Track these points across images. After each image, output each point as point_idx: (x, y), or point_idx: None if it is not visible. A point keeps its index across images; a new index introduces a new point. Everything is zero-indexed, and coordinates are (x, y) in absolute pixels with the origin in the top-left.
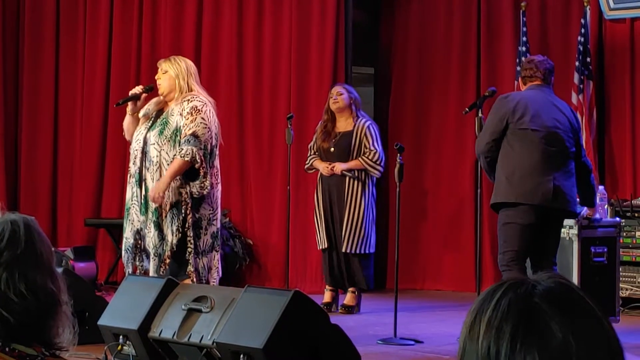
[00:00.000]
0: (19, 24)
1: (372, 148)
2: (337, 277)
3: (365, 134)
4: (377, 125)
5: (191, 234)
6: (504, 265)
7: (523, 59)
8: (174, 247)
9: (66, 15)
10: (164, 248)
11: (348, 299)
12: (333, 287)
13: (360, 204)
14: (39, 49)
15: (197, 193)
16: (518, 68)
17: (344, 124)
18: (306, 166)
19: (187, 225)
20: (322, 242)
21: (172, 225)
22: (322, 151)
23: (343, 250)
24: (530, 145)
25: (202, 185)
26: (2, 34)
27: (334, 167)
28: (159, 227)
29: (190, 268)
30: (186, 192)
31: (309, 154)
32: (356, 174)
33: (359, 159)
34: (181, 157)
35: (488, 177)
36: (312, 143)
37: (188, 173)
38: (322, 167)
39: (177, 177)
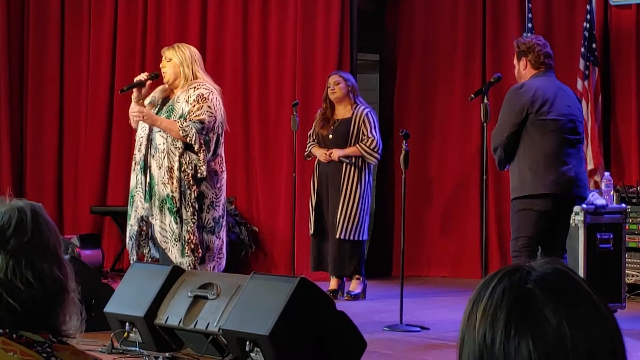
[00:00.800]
0: (24, 12)
1: (370, 135)
2: (322, 263)
3: (363, 121)
4: (375, 113)
5: (196, 206)
6: (516, 251)
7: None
8: (193, 223)
9: (71, 6)
10: (185, 228)
11: (353, 285)
12: (315, 271)
13: (355, 190)
14: (44, 39)
15: (193, 172)
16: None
17: (342, 111)
18: (305, 153)
19: (192, 197)
20: (311, 228)
21: (184, 204)
22: (321, 138)
23: (337, 236)
24: (550, 134)
25: (199, 168)
26: (7, 24)
27: (331, 153)
28: (177, 212)
29: (192, 237)
30: (186, 162)
31: (308, 141)
32: (353, 160)
33: (357, 145)
34: (179, 126)
35: (498, 167)
36: (311, 131)
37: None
38: (320, 153)
39: (180, 146)
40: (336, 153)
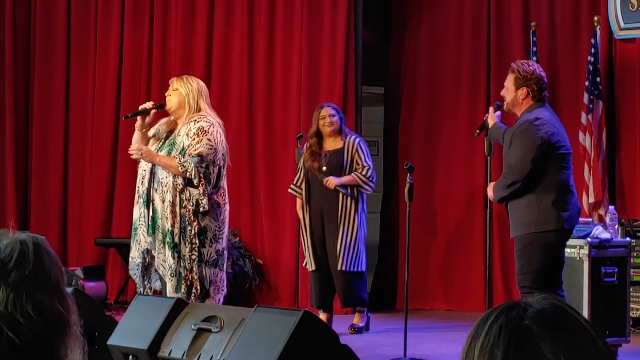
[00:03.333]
0: (30, 38)
1: (364, 164)
2: (326, 298)
3: (357, 150)
4: (365, 142)
5: (196, 242)
6: (526, 287)
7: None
8: (192, 260)
9: (77, 29)
10: (182, 265)
11: (356, 319)
12: (321, 309)
13: (354, 221)
14: (49, 65)
15: (194, 207)
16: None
17: (332, 143)
18: (290, 188)
19: (192, 233)
20: (311, 264)
21: (183, 240)
22: (312, 172)
23: (339, 268)
24: (564, 168)
25: (200, 202)
26: (13, 48)
27: (328, 181)
28: (175, 247)
29: (194, 276)
30: (186, 198)
31: (296, 177)
32: (349, 191)
33: (353, 174)
34: (178, 162)
35: (498, 201)
36: (300, 165)
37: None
38: (299, 206)
39: (180, 182)
40: (333, 182)
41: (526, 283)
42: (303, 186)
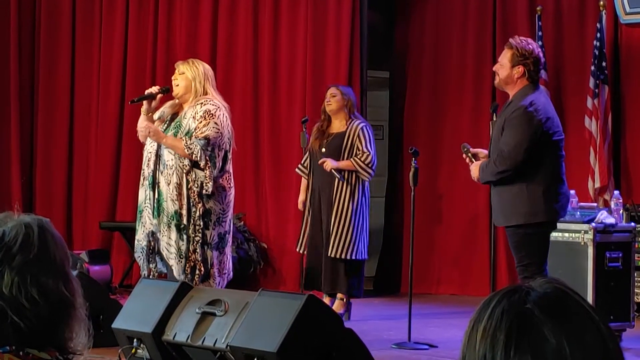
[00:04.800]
0: (35, 26)
1: (364, 150)
2: (313, 280)
3: (358, 135)
4: (371, 128)
5: (200, 224)
6: (528, 278)
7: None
8: (195, 242)
9: (82, 17)
10: (188, 246)
11: (336, 305)
12: (307, 290)
13: (347, 208)
14: (55, 52)
15: (199, 189)
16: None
17: (338, 125)
18: (298, 168)
19: (197, 215)
20: (300, 245)
21: (188, 221)
22: (313, 151)
23: (329, 254)
24: (557, 156)
25: (205, 184)
26: (18, 37)
27: (324, 162)
28: (183, 229)
29: (198, 257)
30: (192, 179)
31: (304, 156)
32: (345, 176)
33: (351, 159)
34: (184, 144)
35: (482, 182)
36: (308, 146)
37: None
38: (302, 191)
39: (187, 164)
40: (329, 164)
41: (527, 274)
42: (309, 167)
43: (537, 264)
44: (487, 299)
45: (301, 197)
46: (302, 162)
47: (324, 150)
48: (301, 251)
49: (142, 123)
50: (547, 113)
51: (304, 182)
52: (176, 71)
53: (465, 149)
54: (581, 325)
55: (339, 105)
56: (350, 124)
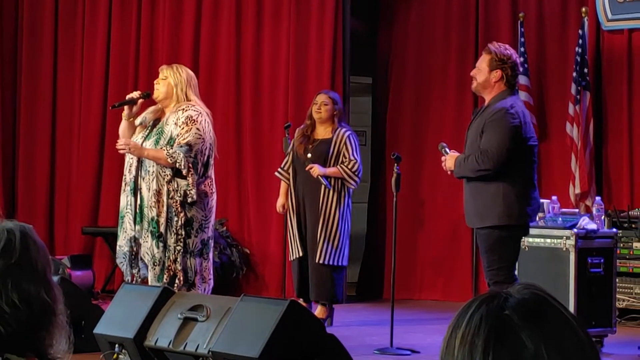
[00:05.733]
0: (17, 28)
1: (351, 158)
2: (306, 288)
3: (345, 143)
4: (356, 136)
5: (182, 233)
6: (498, 283)
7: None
8: (176, 251)
9: (64, 20)
10: (167, 255)
11: (318, 312)
12: (301, 298)
13: (334, 214)
14: (37, 56)
15: (182, 198)
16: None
17: (323, 132)
18: (277, 171)
19: (179, 224)
20: (295, 252)
21: (169, 230)
22: (297, 156)
23: (317, 260)
24: (530, 161)
25: (189, 192)
26: (0, 39)
27: (311, 168)
28: (160, 237)
29: (178, 267)
30: (174, 189)
31: (285, 159)
32: (332, 183)
33: (338, 167)
34: (166, 154)
35: (457, 176)
36: (290, 148)
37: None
38: (282, 194)
39: (168, 173)
40: (317, 170)
41: (499, 278)
42: (290, 171)
43: (507, 268)
44: (466, 305)
45: (281, 201)
46: (282, 165)
47: (309, 155)
48: (300, 254)
49: (121, 139)
50: (525, 118)
51: (283, 185)
52: (160, 75)
53: (443, 149)
54: (560, 331)
55: (328, 114)
56: (336, 131)
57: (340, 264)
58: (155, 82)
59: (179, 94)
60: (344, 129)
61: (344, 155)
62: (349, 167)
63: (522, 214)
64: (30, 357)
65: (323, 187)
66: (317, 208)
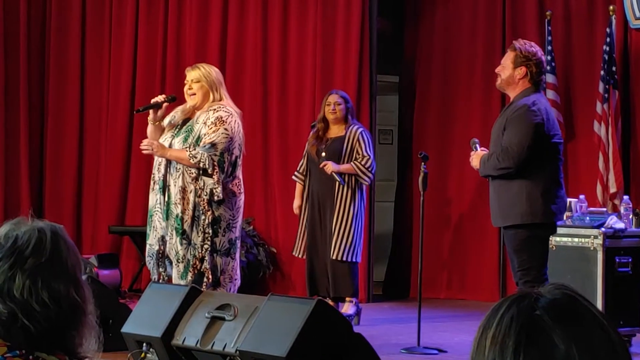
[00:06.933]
0: (45, 30)
1: (365, 154)
2: (317, 285)
3: (358, 140)
4: (369, 133)
5: (209, 231)
6: (529, 282)
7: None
8: (203, 249)
9: (92, 23)
10: (192, 253)
11: (346, 307)
12: (313, 295)
13: (349, 211)
14: (65, 56)
15: (208, 197)
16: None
17: (336, 130)
18: (294, 175)
19: (206, 223)
20: (299, 250)
21: (196, 228)
22: (311, 157)
23: (332, 257)
24: (555, 158)
25: (215, 190)
26: (28, 42)
27: (325, 165)
28: (183, 233)
29: (206, 265)
30: (200, 187)
31: (300, 162)
32: (345, 180)
33: (352, 163)
34: (189, 154)
35: (486, 173)
36: (305, 152)
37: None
38: (298, 192)
39: (194, 171)
40: (330, 167)
41: (528, 278)
42: (305, 172)
43: (537, 267)
44: (496, 305)
45: (297, 202)
46: (297, 168)
47: (323, 154)
48: (300, 255)
49: (149, 135)
50: (548, 115)
51: (299, 187)
52: (188, 79)
53: (474, 145)
54: (590, 331)
55: (343, 114)
56: (349, 128)
57: (354, 260)
58: (186, 88)
59: (215, 94)
60: (356, 126)
61: (357, 151)
62: (362, 163)
63: (546, 212)
64: (60, 356)
65: (337, 184)
66: (332, 205)
